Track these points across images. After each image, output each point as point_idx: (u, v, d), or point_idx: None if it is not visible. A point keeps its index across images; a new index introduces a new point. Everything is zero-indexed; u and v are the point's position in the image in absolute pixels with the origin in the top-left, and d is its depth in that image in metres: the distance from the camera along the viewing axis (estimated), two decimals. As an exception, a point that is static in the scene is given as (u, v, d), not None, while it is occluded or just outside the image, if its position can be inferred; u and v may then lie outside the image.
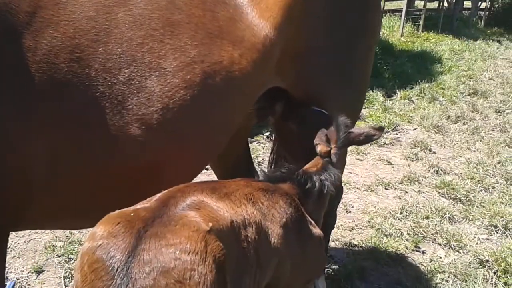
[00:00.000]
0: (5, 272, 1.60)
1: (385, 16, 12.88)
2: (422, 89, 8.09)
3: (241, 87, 2.00)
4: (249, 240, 1.63)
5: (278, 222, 1.84)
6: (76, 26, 1.67)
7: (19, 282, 3.29)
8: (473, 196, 4.70)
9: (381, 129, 2.28)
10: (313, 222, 2.08)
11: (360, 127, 2.29)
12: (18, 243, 3.69)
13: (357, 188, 5.01)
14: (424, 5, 13.20)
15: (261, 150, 5.61)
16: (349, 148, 6.15)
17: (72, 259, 3.54)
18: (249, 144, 3.41)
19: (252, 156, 3.79)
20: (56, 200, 1.74)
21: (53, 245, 3.67)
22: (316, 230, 2.08)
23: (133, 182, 1.84)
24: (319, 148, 2.20)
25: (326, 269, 3.53)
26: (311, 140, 2.23)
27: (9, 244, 3.57)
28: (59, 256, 3.58)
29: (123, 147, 1.74)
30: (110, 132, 1.71)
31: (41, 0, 1.64)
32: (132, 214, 1.45)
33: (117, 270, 1.26)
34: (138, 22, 1.77)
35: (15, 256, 3.56)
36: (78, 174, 1.71)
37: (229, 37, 1.95)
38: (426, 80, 8.54)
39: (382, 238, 4.00)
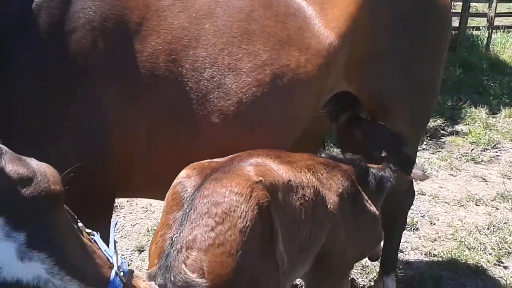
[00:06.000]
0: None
1: (497, 32, 12.29)
2: (532, 108, 7.64)
3: (306, 87, 2.31)
4: (306, 199, 1.97)
5: (335, 192, 2.13)
6: (173, 34, 2.10)
7: (124, 258, 3.82)
8: None
9: (426, 177, 2.59)
10: (369, 200, 2.30)
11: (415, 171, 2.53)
12: (126, 226, 4.27)
13: (446, 202, 4.95)
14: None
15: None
16: (442, 164, 5.99)
17: (169, 244, 4.00)
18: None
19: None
20: (151, 173, 2.16)
21: (155, 229, 4.15)
22: (371, 207, 2.29)
23: None
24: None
25: (400, 274, 3.63)
26: (372, 149, 2.54)
27: (117, 226, 4.15)
28: (159, 240, 4.07)
29: (204, 133, 2.13)
30: (195, 119, 2.12)
31: (147, 13, 2.09)
32: (206, 164, 1.92)
33: (186, 199, 1.75)
34: (221, 31, 2.17)
35: (122, 236, 4.12)
36: (168, 152, 2.12)
37: (297, 44, 2.29)
38: (537, 100, 8.04)
39: (464, 250, 3.97)
